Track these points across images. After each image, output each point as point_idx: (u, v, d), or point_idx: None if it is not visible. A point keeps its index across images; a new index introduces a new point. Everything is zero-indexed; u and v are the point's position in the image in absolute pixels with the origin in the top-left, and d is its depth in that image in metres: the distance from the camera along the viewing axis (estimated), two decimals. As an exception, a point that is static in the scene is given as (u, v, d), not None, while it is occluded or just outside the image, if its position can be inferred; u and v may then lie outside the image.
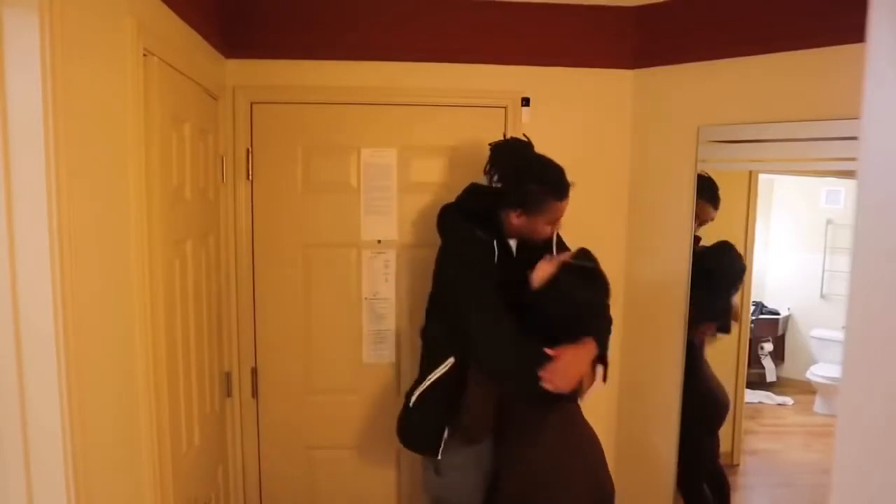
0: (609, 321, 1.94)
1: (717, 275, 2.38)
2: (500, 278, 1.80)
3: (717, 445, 2.42)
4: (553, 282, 1.76)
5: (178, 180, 1.72)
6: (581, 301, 1.78)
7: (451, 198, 2.00)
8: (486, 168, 1.90)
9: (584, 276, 1.79)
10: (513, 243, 1.94)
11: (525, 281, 1.89)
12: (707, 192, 2.26)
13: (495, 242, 1.83)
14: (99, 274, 1.26)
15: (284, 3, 2.24)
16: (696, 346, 2.35)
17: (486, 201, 1.89)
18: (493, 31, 2.31)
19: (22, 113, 1.04)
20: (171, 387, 1.64)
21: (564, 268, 1.77)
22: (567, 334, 1.75)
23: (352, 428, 2.44)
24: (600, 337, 1.83)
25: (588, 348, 1.76)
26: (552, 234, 1.91)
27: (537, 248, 1.92)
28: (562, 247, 2.03)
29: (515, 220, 1.82)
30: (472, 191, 1.97)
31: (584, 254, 1.85)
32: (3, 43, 1.02)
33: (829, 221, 2.41)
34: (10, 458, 1.08)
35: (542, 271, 1.79)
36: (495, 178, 1.88)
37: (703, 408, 2.38)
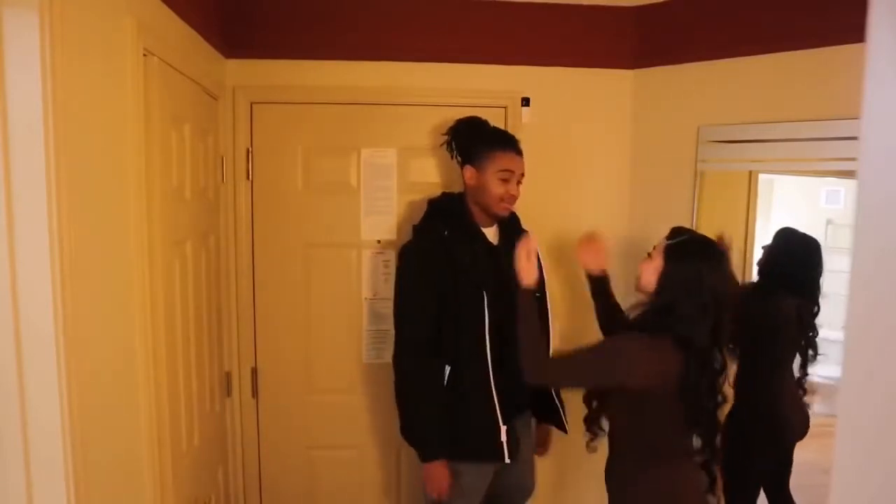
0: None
1: (791, 269, 2.23)
2: (480, 271, 1.85)
3: (786, 472, 2.27)
4: (666, 273, 1.52)
5: (177, 180, 1.72)
6: (710, 279, 1.49)
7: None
8: (444, 143, 2.01)
9: (695, 248, 1.54)
10: (493, 234, 1.96)
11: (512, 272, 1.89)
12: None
13: (448, 234, 1.89)
14: (99, 274, 1.26)
15: (284, 3, 2.23)
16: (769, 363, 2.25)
17: (458, 200, 1.97)
18: (493, 31, 2.31)
19: (22, 113, 1.04)
20: (171, 387, 1.64)
21: (668, 251, 1.54)
22: (720, 334, 1.51)
23: (352, 428, 2.44)
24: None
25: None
26: (508, 197, 1.88)
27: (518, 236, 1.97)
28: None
29: (469, 179, 1.91)
30: (445, 195, 2.07)
31: (678, 231, 1.60)
32: (3, 43, 1.02)
33: (829, 221, 2.40)
34: (10, 458, 1.08)
35: (647, 268, 1.56)
36: (453, 146, 1.99)
37: (753, 427, 2.23)
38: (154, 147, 1.51)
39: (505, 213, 1.93)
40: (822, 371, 2.50)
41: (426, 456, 1.86)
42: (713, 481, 1.60)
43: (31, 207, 1.05)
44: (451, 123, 2.01)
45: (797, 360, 2.26)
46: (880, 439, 0.68)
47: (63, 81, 1.08)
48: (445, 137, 2.00)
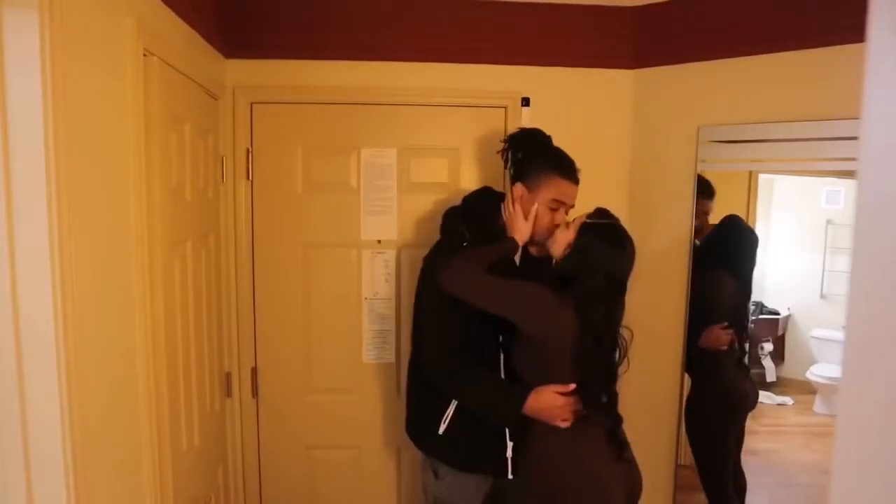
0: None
1: (730, 251, 2.37)
2: None
3: (739, 444, 2.38)
4: (575, 247, 1.67)
5: (178, 180, 1.72)
6: (609, 265, 1.65)
7: (451, 198, 2.00)
8: (501, 150, 1.90)
9: (606, 233, 1.68)
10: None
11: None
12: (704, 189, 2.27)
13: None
14: (99, 274, 1.26)
15: (284, 3, 2.24)
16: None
17: (492, 201, 1.90)
18: (493, 31, 2.31)
19: (22, 113, 1.04)
20: (172, 387, 1.64)
21: (583, 228, 1.69)
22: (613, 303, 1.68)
23: (352, 428, 2.44)
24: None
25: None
26: (553, 226, 1.80)
27: (542, 261, 1.89)
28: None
29: (517, 196, 1.81)
30: (482, 190, 2.00)
31: (601, 212, 1.73)
32: (3, 43, 1.02)
33: (829, 221, 2.40)
34: (10, 458, 1.08)
35: (560, 236, 1.71)
36: (508, 154, 1.88)
37: (716, 403, 2.38)
38: (154, 147, 1.51)
39: (542, 241, 1.83)
40: (822, 371, 2.50)
41: (517, 406, 1.70)
42: (619, 446, 1.72)
43: (31, 207, 1.05)
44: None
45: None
46: (880, 439, 0.68)
47: (63, 81, 1.08)
48: (503, 144, 1.89)
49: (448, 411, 1.83)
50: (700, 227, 2.28)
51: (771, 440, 2.54)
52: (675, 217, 2.31)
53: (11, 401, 1.07)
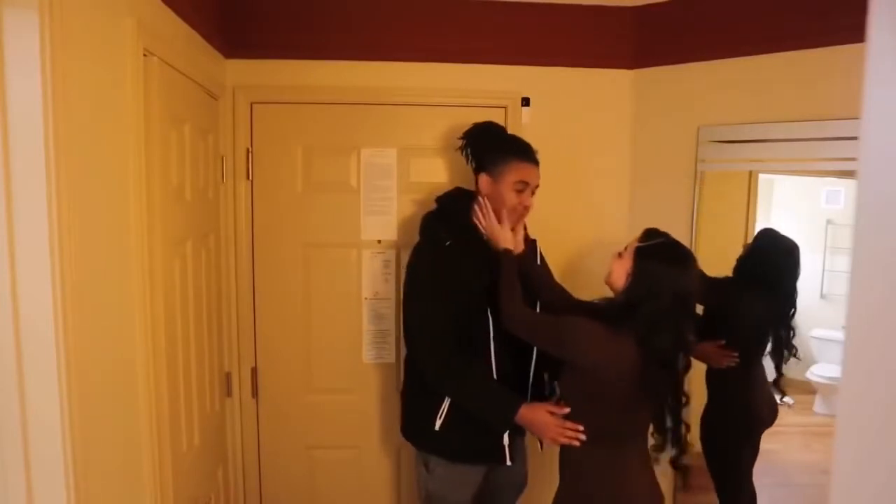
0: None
1: (769, 274, 2.21)
2: (482, 284, 1.80)
3: (753, 459, 2.32)
4: (634, 273, 1.57)
5: (178, 180, 1.72)
6: (676, 285, 1.54)
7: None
8: (460, 147, 1.94)
9: (664, 253, 1.58)
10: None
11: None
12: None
13: (450, 243, 1.85)
14: (99, 274, 1.26)
15: (284, 3, 2.24)
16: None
17: (464, 201, 1.93)
18: (492, 31, 2.31)
19: (22, 113, 1.04)
20: (172, 387, 1.64)
21: (638, 253, 1.59)
22: (682, 331, 1.56)
23: (352, 428, 2.44)
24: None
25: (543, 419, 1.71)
26: (521, 208, 1.85)
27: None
28: (534, 249, 2.02)
29: (483, 187, 1.86)
30: (454, 191, 2.02)
31: (651, 233, 1.63)
32: (3, 43, 1.02)
33: (829, 221, 2.40)
34: (10, 458, 1.08)
35: (618, 267, 1.62)
36: (468, 152, 1.93)
37: (728, 419, 2.30)
38: (154, 147, 1.51)
39: (517, 224, 1.89)
40: (822, 371, 2.50)
41: (510, 413, 1.75)
42: (685, 475, 1.69)
43: (31, 208, 1.05)
44: (466, 126, 1.94)
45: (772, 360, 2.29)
46: (880, 439, 0.68)
47: (63, 82, 1.08)
48: (461, 142, 1.94)
49: (443, 407, 1.85)
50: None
51: (771, 440, 2.54)
52: (676, 217, 2.30)
53: (11, 401, 1.07)
